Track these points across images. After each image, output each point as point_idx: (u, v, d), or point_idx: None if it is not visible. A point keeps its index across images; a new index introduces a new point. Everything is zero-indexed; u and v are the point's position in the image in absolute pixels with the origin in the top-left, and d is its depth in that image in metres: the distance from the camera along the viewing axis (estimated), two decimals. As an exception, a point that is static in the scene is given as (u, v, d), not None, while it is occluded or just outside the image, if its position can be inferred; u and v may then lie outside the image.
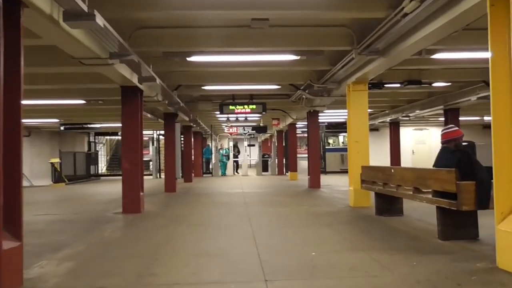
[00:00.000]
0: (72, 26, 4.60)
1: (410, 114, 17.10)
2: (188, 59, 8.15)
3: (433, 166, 5.77)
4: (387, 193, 7.01)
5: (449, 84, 12.16)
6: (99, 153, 24.66)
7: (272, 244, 5.41)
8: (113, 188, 16.05)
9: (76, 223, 7.66)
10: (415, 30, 6.06)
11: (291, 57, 8.10)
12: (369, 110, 18.55)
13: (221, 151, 22.49)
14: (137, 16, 6.42)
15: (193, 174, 22.57)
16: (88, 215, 8.73)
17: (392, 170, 6.72)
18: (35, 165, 21.26)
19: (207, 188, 15.06)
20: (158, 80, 8.29)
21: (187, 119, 15.93)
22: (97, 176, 23.33)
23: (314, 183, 13.85)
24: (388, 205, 7.52)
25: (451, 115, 14.63)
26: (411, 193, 5.99)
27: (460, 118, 15.03)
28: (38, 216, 8.72)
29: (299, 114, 15.87)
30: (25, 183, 20.44)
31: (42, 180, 19.92)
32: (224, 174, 22.22)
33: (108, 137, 25.25)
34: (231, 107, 13.26)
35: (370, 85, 9.42)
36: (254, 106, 13.26)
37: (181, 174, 13.77)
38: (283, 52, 7.90)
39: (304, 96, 12.03)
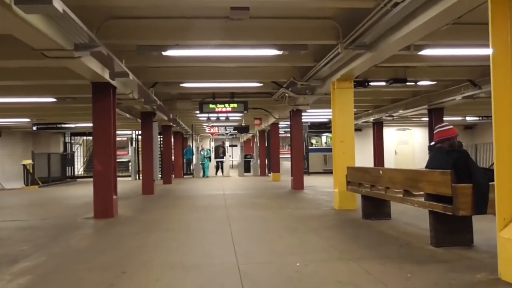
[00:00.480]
0: (25, 11, 4.06)
1: (394, 114, 16.88)
2: (163, 53, 7.63)
3: (426, 167, 5.40)
4: (374, 195, 6.63)
5: (435, 83, 11.92)
6: (76, 154, 23.83)
7: (253, 253, 4.96)
8: (88, 190, 15.27)
9: (43, 230, 7.06)
10: (405, 22, 5.69)
11: (273, 51, 7.66)
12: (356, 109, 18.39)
13: (202, 152, 21.89)
14: (107, 4, 5.89)
15: (173, 176, 22.00)
16: (57, 220, 8.14)
17: (381, 172, 6.35)
18: (7, 167, 20.40)
19: (187, 190, 14.52)
20: (131, 76, 7.76)
21: (166, 118, 15.37)
22: (74, 178, 22.52)
23: (297, 185, 13.46)
24: (376, 208, 7.15)
25: (435, 115, 14.42)
26: (401, 196, 5.62)
27: (444, 118, 14.85)
28: (4, 222, 8.11)
29: (282, 113, 15.47)
30: (-5, 185, 19.58)
31: (14, 183, 19.07)
32: (206, 175, 21.58)
33: (85, 138, 24.39)
34: (211, 105, 12.76)
35: (354, 83, 9.05)
36: (235, 105, 12.80)
37: (159, 176, 13.21)
38: (264, 47, 7.45)
39: (287, 94, 11.62)
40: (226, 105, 12.77)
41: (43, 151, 21.60)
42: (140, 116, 13.48)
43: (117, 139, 24.52)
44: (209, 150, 22.45)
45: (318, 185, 15.00)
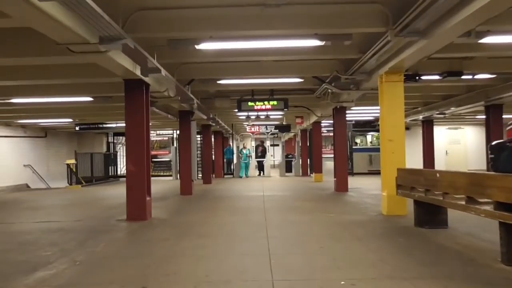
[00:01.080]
0: (38, -3, 3.68)
1: (446, 112, 15.69)
2: (197, 47, 7.18)
3: (495, 170, 4.60)
4: (430, 201, 5.86)
5: (494, 76, 10.81)
6: (118, 153, 24.08)
7: (291, 267, 4.37)
8: None
9: (73, 232, 6.80)
10: (465, 2, 4.91)
11: (314, 42, 7.01)
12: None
13: (244, 151, 21.42)
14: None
15: (213, 175, 21.73)
16: (90, 222, 7.89)
17: (438, 174, 5.57)
18: (52, 167, 20.85)
19: (226, 191, 14.10)
20: (164, 72, 7.37)
21: (204, 117, 15.02)
22: (116, 177, 22.74)
23: (341, 186, 12.70)
24: (430, 215, 6.38)
25: (493, 112, 13.21)
26: (463, 203, 4.84)
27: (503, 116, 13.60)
28: (37, 223, 7.97)
29: (324, 111, 14.74)
30: (41, 185, 20.06)
31: (59, 182, 19.45)
32: (246, 175, 21.11)
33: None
34: (250, 103, 12.25)
35: (404, 77, 8.25)
36: (275, 102, 12.22)
37: (197, 176, 12.87)
38: (305, 37, 6.82)
39: (329, 90, 10.91)
40: (266, 102, 12.22)
41: (87, 151, 21.96)
42: (178, 115, 13.17)
43: (159, 138, 24.66)
44: (250, 149, 21.91)
45: (363, 187, 14.16)
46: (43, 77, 8.13)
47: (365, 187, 14.00)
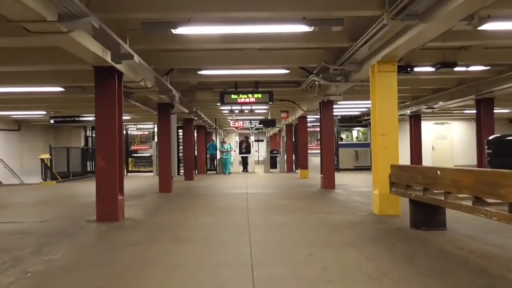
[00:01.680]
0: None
1: (435, 106, 15.31)
2: (174, 31, 6.53)
3: (492, 166, 4.07)
4: (429, 201, 5.34)
5: (488, 68, 10.38)
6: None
7: (276, 281, 3.79)
8: None
9: (33, 236, 6.10)
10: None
11: (301, 28, 6.40)
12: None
13: (224, 146, 20.62)
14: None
15: (196, 172, 21.04)
16: (56, 223, 7.19)
17: (439, 172, 5.04)
18: (26, 161, 19.91)
19: (207, 188, 13.47)
20: (136, 58, 6.68)
21: (186, 110, 14.34)
22: (94, 173, 21.85)
23: (328, 183, 12.18)
24: (428, 215, 5.88)
25: (484, 106, 12.85)
26: (470, 204, 4.32)
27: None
28: (-2, 224, 7.22)
29: (311, 105, 14.20)
30: (14, 181, 19.13)
31: (34, 178, 18.55)
32: (228, 172, 20.42)
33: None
34: (233, 96, 11.62)
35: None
36: (259, 95, 11.61)
37: (177, 172, 12.19)
38: (292, 21, 6.21)
39: (317, 83, 10.34)
40: (250, 95, 11.60)
41: (64, 145, 21.05)
42: (157, 108, 12.46)
43: (139, 133, 23.79)
44: (230, 144, 21.10)
45: (350, 183, 13.69)
46: (1, 62, 7.35)
47: (352, 184, 13.53)
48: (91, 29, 5.21)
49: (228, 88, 12.07)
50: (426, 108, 15.53)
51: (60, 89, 10.03)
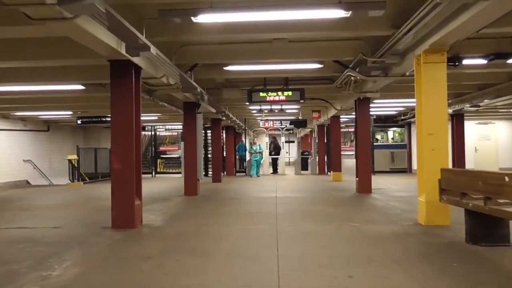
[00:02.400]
0: None
1: (480, 104, 14.10)
2: (194, 19, 5.88)
3: None
4: (494, 214, 4.46)
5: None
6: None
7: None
8: None
9: (41, 245, 5.57)
10: None
11: (337, 13, 5.62)
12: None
13: (254, 147, 19.81)
14: None
15: (224, 173, 20.47)
16: (70, 230, 6.68)
17: (507, 178, 4.16)
18: (55, 162, 19.84)
19: (235, 191, 12.81)
20: (154, 50, 6.07)
21: (213, 110, 13.76)
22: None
23: (364, 187, 11.30)
24: (488, 229, 5.01)
25: (538, 103, 11.64)
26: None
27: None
28: (9, 230, 6.80)
29: (345, 103, 13.32)
30: (43, 181, 19.07)
31: (62, 179, 18.42)
32: (256, 175, 19.33)
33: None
34: (262, 94, 10.91)
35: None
36: (290, 93, 10.85)
37: (203, 174, 11.59)
38: (326, 5, 5.45)
39: (352, 78, 9.49)
40: (279, 93, 10.85)
41: (93, 146, 20.90)
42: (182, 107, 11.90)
43: (168, 133, 23.43)
44: (260, 145, 20.24)
45: (387, 187, 12.74)
46: (11, 57, 6.88)
47: (390, 188, 12.58)
48: (98, 14, 4.61)
49: (256, 85, 11.38)
50: (470, 107, 14.33)
51: (80, 87, 9.58)
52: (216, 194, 12.13)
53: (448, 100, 14.99)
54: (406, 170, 21.51)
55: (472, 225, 5.10)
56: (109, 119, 16.92)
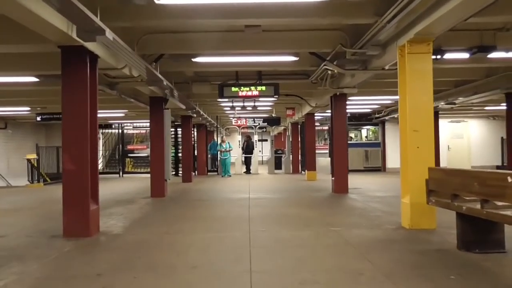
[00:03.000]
0: None
1: (456, 101, 13.87)
2: (156, 0, 5.19)
3: None
4: (494, 219, 3.97)
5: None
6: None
7: None
8: (101, 189, 13.03)
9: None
10: None
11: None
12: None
13: (223, 145, 18.94)
14: None
15: (195, 173, 19.73)
16: (15, 239, 5.86)
17: (510, 179, 3.66)
18: (14, 162, 18.64)
19: (205, 192, 12.13)
20: (110, 34, 5.31)
21: (182, 106, 13.02)
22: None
23: (341, 187, 10.82)
24: (481, 234, 4.57)
25: (515, 101, 11.45)
26: None
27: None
28: None
29: (320, 99, 12.82)
30: (1, 183, 17.88)
31: (22, 180, 17.28)
32: (228, 175, 18.30)
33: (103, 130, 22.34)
34: (234, 88, 10.26)
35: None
36: (263, 88, 10.25)
37: (171, 174, 10.82)
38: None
39: (329, 72, 8.96)
40: (252, 87, 10.24)
41: (57, 145, 19.75)
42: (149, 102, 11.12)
43: (136, 131, 22.46)
44: (230, 143, 19.33)
45: (363, 186, 12.34)
46: None
47: (366, 188, 12.19)
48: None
49: (228, 80, 10.73)
50: (446, 104, 14.09)
51: (34, 79, 8.68)
52: (185, 195, 11.41)
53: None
54: (380, 168, 21.30)
55: (465, 230, 4.63)
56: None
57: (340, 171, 10.95)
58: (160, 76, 8.34)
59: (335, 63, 8.15)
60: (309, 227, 6.24)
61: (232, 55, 8.39)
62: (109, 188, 14.41)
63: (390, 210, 7.64)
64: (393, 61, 7.34)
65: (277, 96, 10.32)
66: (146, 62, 7.60)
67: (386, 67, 8.00)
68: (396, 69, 7.93)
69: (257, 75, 10.46)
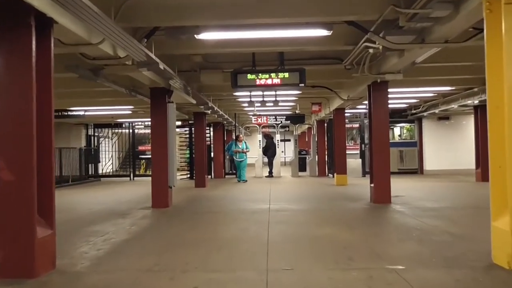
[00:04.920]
0: None
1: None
2: None
3: None
4: None
5: None
6: (101, 149, 20.37)
7: None
8: (101, 195, 11.47)
9: None
10: None
11: None
12: (448, 88, 13.10)
13: (239, 145, 16.79)
14: None
15: (211, 176, 17.98)
16: None
17: None
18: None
19: (219, 200, 10.30)
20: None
21: (193, 101, 11.23)
22: (97, 176, 19.04)
23: (382, 195, 8.81)
24: None
25: None
26: None
27: None
28: None
29: (354, 91, 10.81)
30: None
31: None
32: (243, 180, 15.84)
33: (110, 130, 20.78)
34: (250, 76, 8.37)
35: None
36: (286, 74, 8.32)
37: (177, 180, 9.02)
38: None
39: (370, 50, 6.96)
40: (273, 74, 8.33)
41: (62, 145, 18.27)
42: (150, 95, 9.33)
43: (148, 131, 20.85)
44: (246, 142, 16.98)
45: (406, 193, 10.26)
46: None
47: (410, 195, 10.15)
48: None
49: (243, 66, 8.86)
50: None
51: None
52: (194, 204, 9.60)
53: (473, 87, 12.60)
54: (417, 170, 19.08)
55: None
56: (70, 113, 14.32)
57: (381, 176, 8.91)
58: (153, 56, 6.50)
59: (380, 35, 6.15)
60: (353, 262, 4.28)
61: (245, 27, 6.48)
62: (111, 194, 12.76)
63: (460, 232, 5.62)
64: (466, 26, 5.35)
65: (303, 85, 8.35)
66: (134, 37, 5.79)
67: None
68: (462, 42, 5.95)
69: (279, 59, 8.55)
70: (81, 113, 14.22)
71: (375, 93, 9.08)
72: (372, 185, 9.09)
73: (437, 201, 9.13)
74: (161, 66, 6.86)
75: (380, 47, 6.48)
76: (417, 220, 6.73)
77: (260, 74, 8.35)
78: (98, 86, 8.72)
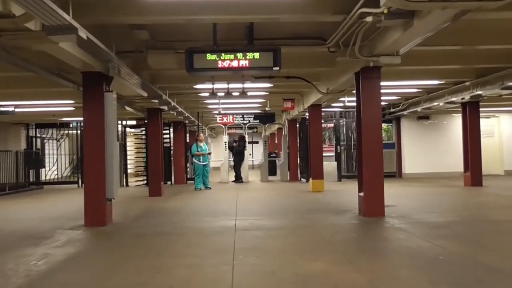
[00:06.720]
0: None
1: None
2: None
3: None
4: None
5: None
6: (46, 152, 17.94)
7: None
8: (32, 207, 9.14)
9: None
10: None
11: None
12: (436, 82, 11.50)
13: (201, 145, 14.30)
14: None
15: (171, 182, 15.97)
16: None
17: None
18: None
19: (172, 215, 8.36)
20: None
21: (144, 94, 9.28)
22: (40, 184, 16.60)
23: (374, 207, 7.14)
24: None
25: None
26: None
27: None
28: None
29: (335, 81, 9.13)
30: None
31: None
32: (205, 186, 13.68)
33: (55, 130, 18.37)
34: (210, 56, 6.52)
35: None
36: (256, 54, 6.52)
37: (116, 191, 7.02)
38: None
39: (367, 20, 5.23)
40: (239, 54, 6.50)
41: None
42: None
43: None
44: (206, 144, 14.70)
45: (395, 202, 8.64)
46: None
47: (402, 204, 8.60)
48: None
49: (202, 46, 6.95)
50: (502, 88, 10.42)
51: None
52: (140, 221, 7.61)
53: (466, 83, 11.14)
54: (395, 174, 17.70)
55: None
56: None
57: (372, 184, 7.23)
58: (67, 16, 4.50)
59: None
60: None
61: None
62: (45, 206, 10.60)
63: (498, 265, 3.94)
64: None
65: (277, 68, 6.53)
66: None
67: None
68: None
69: (247, 35, 6.70)
70: (10, 108, 11.91)
71: (365, 82, 7.41)
72: (362, 194, 7.39)
73: (439, 213, 7.56)
74: (83, 34, 4.86)
75: (385, 11, 4.75)
76: (430, 242, 5.05)
77: (223, 54, 6.52)
78: (11, 69, 6.67)
